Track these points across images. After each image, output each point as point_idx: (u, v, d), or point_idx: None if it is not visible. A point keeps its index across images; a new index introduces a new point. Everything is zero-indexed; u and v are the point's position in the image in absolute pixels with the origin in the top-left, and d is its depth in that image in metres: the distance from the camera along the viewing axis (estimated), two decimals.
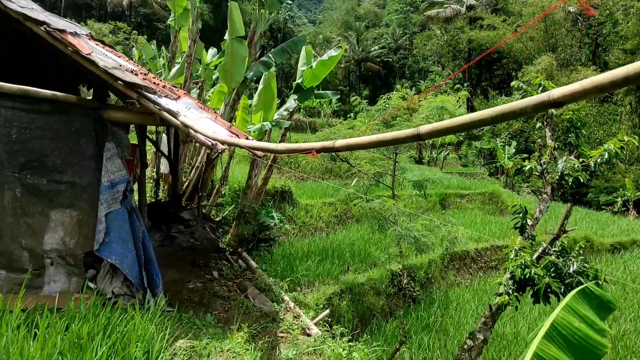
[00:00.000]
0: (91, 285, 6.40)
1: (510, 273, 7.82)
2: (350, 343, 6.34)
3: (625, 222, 29.24)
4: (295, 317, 7.67)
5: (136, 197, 9.22)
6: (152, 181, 15.72)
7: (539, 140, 9.61)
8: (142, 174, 8.43)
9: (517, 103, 2.13)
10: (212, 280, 8.26)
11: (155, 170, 15.37)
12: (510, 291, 7.73)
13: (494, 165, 46.28)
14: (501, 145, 46.72)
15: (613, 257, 21.84)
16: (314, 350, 6.39)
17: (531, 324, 12.44)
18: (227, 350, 4.84)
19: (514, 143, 46.45)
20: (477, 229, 20.17)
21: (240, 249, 10.27)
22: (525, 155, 44.27)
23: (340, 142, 3.29)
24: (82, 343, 4.15)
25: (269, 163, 15.89)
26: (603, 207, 38.03)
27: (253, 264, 9.63)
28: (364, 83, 75.63)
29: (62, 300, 5.96)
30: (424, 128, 2.67)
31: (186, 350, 4.74)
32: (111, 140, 6.24)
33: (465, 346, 8.32)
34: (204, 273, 8.51)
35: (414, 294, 15.23)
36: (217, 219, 12.78)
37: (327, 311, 8.21)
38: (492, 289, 15.80)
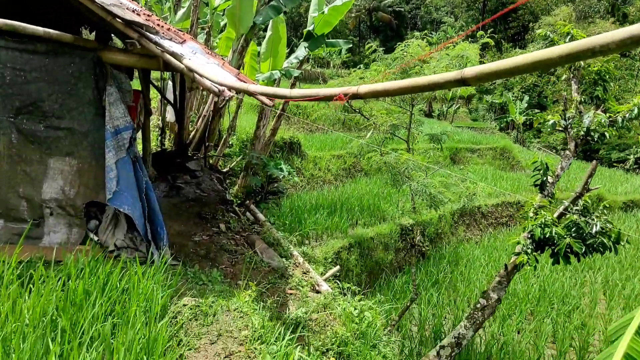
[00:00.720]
0: (93, 237, 6.15)
1: (529, 232, 7.50)
2: (361, 302, 6.09)
3: (637, 179, 28.79)
4: (305, 273, 7.44)
5: (140, 147, 8.88)
6: (158, 130, 15.34)
7: (564, 93, 9.08)
8: (147, 121, 8.04)
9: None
10: (219, 233, 8.00)
11: (161, 118, 14.96)
12: (528, 250, 7.43)
13: (504, 119, 45.52)
14: (513, 100, 45.87)
15: (626, 215, 21.53)
16: (324, 308, 6.16)
17: (543, 282, 12.23)
18: (234, 310, 4.59)
19: (526, 97, 45.57)
20: (488, 185, 19.81)
21: (247, 202, 9.99)
22: (537, 111, 43.39)
23: (364, 88, 2.88)
24: (78, 300, 3.90)
25: (278, 113, 15.44)
26: (614, 164, 37.48)
27: (261, 216, 9.37)
28: (374, 34, 73.65)
29: (63, 252, 5.72)
30: (469, 71, 2.26)
31: (191, 309, 4.49)
32: (112, 85, 5.83)
33: (479, 305, 8.11)
34: (211, 226, 8.25)
35: (423, 249, 15.04)
36: (225, 170, 12.47)
37: (337, 267, 7.97)
38: (503, 246, 15.59)
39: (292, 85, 15.43)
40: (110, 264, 4.83)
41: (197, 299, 4.68)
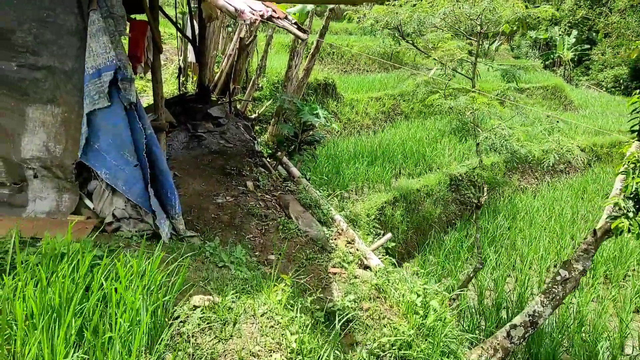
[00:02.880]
0: (89, 203, 4.94)
1: (631, 192, 5.97)
2: (425, 286, 4.77)
3: None
4: (349, 243, 6.14)
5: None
6: (181, 71, 13.92)
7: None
8: (157, 60, 6.65)
9: None
10: (246, 193, 6.73)
11: (182, 59, 13.55)
12: (630, 214, 5.93)
13: (550, 56, 42.51)
14: (559, 35, 42.88)
15: None
16: (378, 292, 4.88)
17: (620, 240, 10.66)
18: (262, 315, 3.33)
19: (574, 32, 42.41)
20: (524, 123, 17.92)
21: (279, 153, 8.64)
22: (587, 46, 40.28)
23: None
24: (54, 305, 2.71)
25: (312, 52, 13.84)
26: None
27: (295, 171, 8.03)
28: None
29: (50, 225, 4.53)
30: None
31: (203, 313, 3.25)
32: (97, 9, 4.43)
33: (559, 277, 6.72)
34: (236, 184, 6.98)
35: (474, 200, 13.60)
36: (253, 117, 11.08)
37: (389, 235, 6.66)
38: (564, 196, 13.98)
39: (327, 19, 13.76)
40: (108, 241, 3.59)
41: (212, 298, 3.42)
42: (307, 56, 14.35)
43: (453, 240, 10.67)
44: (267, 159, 8.72)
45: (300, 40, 13.62)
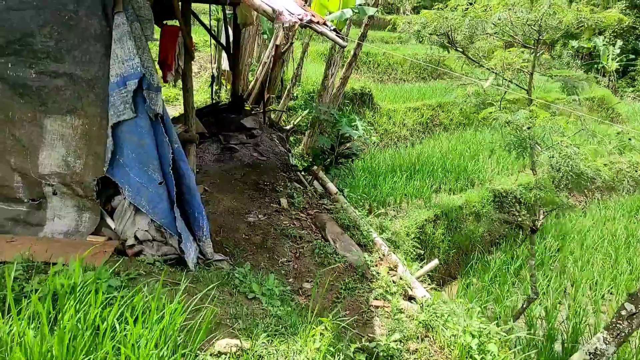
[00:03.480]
0: (110, 223, 4.54)
1: None
2: (482, 325, 4.19)
3: None
4: (392, 269, 5.59)
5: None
6: (215, 79, 13.62)
7: None
8: (188, 67, 6.29)
9: None
10: (280, 211, 6.27)
11: (216, 67, 13.25)
12: None
13: (593, 67, 41.01)
14: (603, 45, 41.43)
15: None
16: (426, 330, 4.32)
17: None
18: None
19: (619, 42, 40.87)
20: (589, 141, 17.00)
21: (315, 167, 8.16)
22: (632, 57, 38.79)
23: None
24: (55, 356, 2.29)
25: (349, 60, 13.39)
26: None
27: (332, 187, 7.54)
28: None
29: (67, 247, 4.15)
30: None
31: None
32: (122, 12, 4.04)
33: (624, 311, 6.02)
34: (269, 201, 6.53)
35: (519, 219, 12.83)
36: (288, 127, 10.66)
37: (435, 262, 6.08)
38: (618, 215, 13.08)
39: (365, 26, 13.29)
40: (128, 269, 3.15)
41: (239, 343, 2.94)
42: (344, 65, 13.92)
43: (498, 262, 9.97)
44: (302, 173, 8.25)
45: (337, 49, 13.18)
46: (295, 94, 14.14)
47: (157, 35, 5.23)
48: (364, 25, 13.21)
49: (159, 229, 4.39)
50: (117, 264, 3.83)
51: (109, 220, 4.54)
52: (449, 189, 12.55)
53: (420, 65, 22.09)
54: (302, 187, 7.27)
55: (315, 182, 7.74)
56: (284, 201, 6.46)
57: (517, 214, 12.77)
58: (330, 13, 12.02)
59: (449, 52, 7.19)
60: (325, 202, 6.93)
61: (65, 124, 4.25)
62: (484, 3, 6.40)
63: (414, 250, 8.94)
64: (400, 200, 11.54)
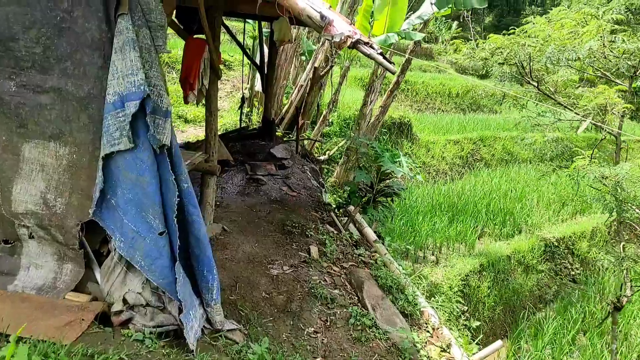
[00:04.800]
0: (98, 276, 3.60)
1: None
2: None
3: None
4: (444, 351, 4.51)
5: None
6: (245, 101, 12.81)
7: None
8: (213, 87, 5.42)
9: None
10: (309, 262, 5.27)
11: (248, 87, 12.45)
12: None
13: None
14: None
15: None
16: None
17: None
18: None
19: None
20: None
21: (352, 208, 7.14)
22: None
23: None
24: None
25: (391, 87, 12.45)
26: None
27: (370, 233, 6.50)
28: (488, 8, 66.85)
29: (36, 310, 3.22)
30: None
31: None
32: (127, 14, 3.16)
33: None
34: (297, 247, 5.54)
35: (572, 271, 11.55)
36: (322, 158, 9.68)
37: (499, 344, 4.98)
38: None
39: (411, 52, 12.37)
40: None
41: None
42: (383, 91, 13.01)
43: (553, 325, 8.70)
44: (336, 212, 7.27)
45: (378, 74, 12.28)
46: (330, 120, 13.24)
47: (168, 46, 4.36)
48: (409, 51, 12.33)
49: (155, 291, 3.44)
50: (97, 337, 2.90)
51: (97, 272, 3.61)
52: (494, 235, 11.38)
53: (475, 96, 21.06)
54: (335, 232, 6.26)
55: (351, 225, 6.73)
56: (314, 250, 5.46)
57: (569, 266, 11.51)
58: (373, 37, 11.15)
59: (522, 85, 6.16)
60: (362, 252, 5.89)
61: (48, 151, 3.36)
62: (570, 26, 5.36)
63: (457, 308, 7.84)
64: (441, 244, 10.44)
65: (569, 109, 5.53)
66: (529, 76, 5.76)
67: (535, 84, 5.79)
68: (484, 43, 6.05)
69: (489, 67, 6.08)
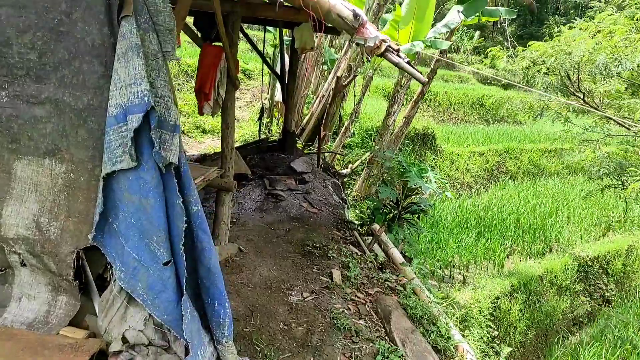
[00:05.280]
0: (97, 307, 3.23)
1: None
2: None
3: None
4: None
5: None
6: (265, 112, 12.49)
7: None
8: (230, 97, 5.06)
9: None
10: (331, 287, 4.84)
11: (268, 97, 12.11)
12: None
13: None
14: None
15: None
16: None
17: None
18: None
19: None
20: None
21: (377, 227, 6.68)
22: None
23: None
24: None
25: (415, 97, 12.03)
26: None
27: (397, 254, 6.04)
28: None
29: (24, 350, 2.85)
30: None
31: None
32: (131, 16, 2.80)
33: None
34: (318, 271, 5.13)
35: (606, 292, 10.92)
36: (344, 172, 9.25)
37: None
38: None
39: (436, 62, 11.95)
40: None
41: None
42: (406, 102, 12.60)
43: (590, 354, 8.12)
44: (359, 229, 6.83)
45: (402, 84, 11.88)
46: (352, 131, 12.83)
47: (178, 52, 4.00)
48: (434, 60, 11.91)
49: (159, 328, 3.05)
50: None
51: (97, 302, 3.23)
52: (523, 252, 10.82)
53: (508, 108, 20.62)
54: (359, 253, 5.82)
55: (376, 245, 6.28)
56: (336, 274, 5.03)
57: (604, 287, 10.88)
58: (398, 45, 10.75)
59: (567, 96, 5.65)
60: (389, 275, 5.44)
61: (42, 169, 3.00)
62: (623, 30, 4.85)
63: (488, 333, 7.33)
64: (467, 262, 9.92)
65: (620, 123, 5.03)
66: (575, 87, 5.27)
67: (582, 96, 5.30)
68: (523, 51, 5.59)
69: (530, 77, 5.61)
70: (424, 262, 7.66)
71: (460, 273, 9.74)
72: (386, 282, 5.25)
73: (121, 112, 2.84)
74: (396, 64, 5.62)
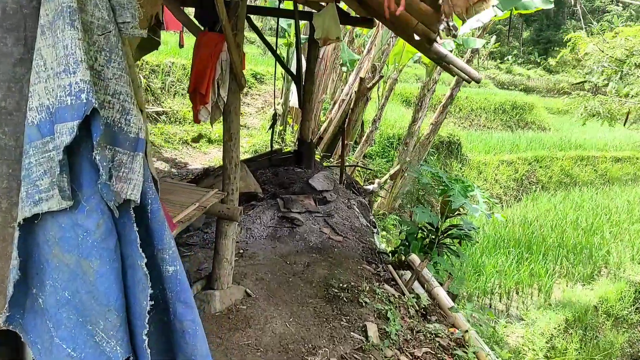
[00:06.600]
0: None
1: None
2: None
3: None
4: None
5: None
6: (278, 119, 11.31)
7: None
8: (234, 100, 3.95)
9: None
10: (366, 348, 3.67)
11: (283, 102, 11.00)
12: None
13: None
14: None
15: None
16: None
17: None
18: None
19: None
20: None
21: (413, 255, 5.50)
22: None
23: None
24: None
25: (444, 102, 10.90)
26: None
27: (443, 296, 4.83)
28: (525, 22, 64.24)
29: None
30: None
31: None
32: None
33: None
34: (348, 323, 3.97)
35: None
36: (370, 187, 8.04)
37: None
38: None
39: (469, 62, 10.80)
40: None
41: None
42: (432, 107, 11.48)
43: None
44: (391, 260, 5.67)
45: (429, 89, 10.77)
46: (374, 140, 11.70)
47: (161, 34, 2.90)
48: (466, 60, 10.78)
49: None
50: None
51: None
52: (569, 276, 9.58)
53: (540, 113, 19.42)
54: (397, 294, 4.65)
55: (416, 283, 5.10)
56: (372, 329, 3.86)
57: None
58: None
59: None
60: (438, 328, 4.25)
61: None
62: None
63: None
64: (509, 289, 8.72)
65: None
66: None
67: None
68: (613, 38, 4.45)
69: (625, 71, 4.46)
70: (476, 307, 6.47)
71: (500, 300, 8.54)
72: (436, 338, 4.08)
73: (47, 118, 1.73)
74: (449, 62, 4.55)
